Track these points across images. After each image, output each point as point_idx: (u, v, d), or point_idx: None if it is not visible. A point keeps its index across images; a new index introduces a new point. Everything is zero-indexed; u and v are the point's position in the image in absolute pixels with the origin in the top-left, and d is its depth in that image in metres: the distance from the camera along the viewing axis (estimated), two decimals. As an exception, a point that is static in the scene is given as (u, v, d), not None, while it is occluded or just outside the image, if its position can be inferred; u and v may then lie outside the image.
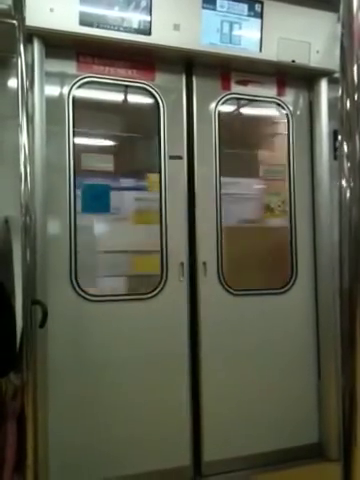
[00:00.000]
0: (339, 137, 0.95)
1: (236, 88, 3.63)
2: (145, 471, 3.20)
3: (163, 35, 3.22)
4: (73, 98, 3.20)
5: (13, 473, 2.42)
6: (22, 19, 2.52)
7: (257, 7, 3.44)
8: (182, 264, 3.38)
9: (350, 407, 0.95)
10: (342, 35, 0.92)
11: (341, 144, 0.94)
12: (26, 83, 2.54)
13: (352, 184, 0.93)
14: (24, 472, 2.40)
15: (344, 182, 0.94)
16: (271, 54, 3.50)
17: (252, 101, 3.75)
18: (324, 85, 3.74)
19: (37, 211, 2.85)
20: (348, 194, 0.93)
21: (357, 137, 0.92)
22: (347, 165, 0.93)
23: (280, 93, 3.78)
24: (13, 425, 2.45)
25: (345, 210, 0.93)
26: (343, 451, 0.96)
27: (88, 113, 3.43)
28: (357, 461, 0.94)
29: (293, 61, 3.56)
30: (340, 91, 0.93)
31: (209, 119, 3.54)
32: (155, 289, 3.33)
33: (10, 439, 2.42)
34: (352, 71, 0.92)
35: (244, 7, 3.42)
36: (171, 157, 3.41)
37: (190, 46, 3.30)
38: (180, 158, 3.44)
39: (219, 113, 3.57)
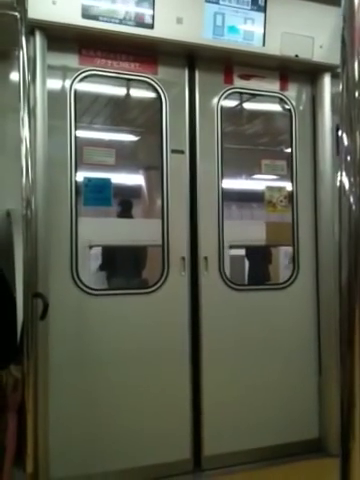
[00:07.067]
0: (339, 132, 0.95)
1: (239, 82, 3.62)
2: (145, 464, 3.20)
3: (166, 29, 3.20)
4: (75, 91, 3.19)
5: (13, 463, 2.43)
6: (24, 12, 2.51)
7: (261, 1, 3.42)
8: (183, 259, 3.38)
9: (348, 402, 0.95)
10: (343, 30, 0.91)
11: (341, 139, 0.94)
12: (28, 76, 2.54)
13: (352, 179, 0.92)
14: (24, 462, 2.42)
15: (344, 177, 0.93)
16: (274, 48, 3.48)
17: (255, 96, 3.74)
18: (327, 80, 3.72)
19: (38, 204, 2.85)
20: (348, 189, 0.93)
21: (357, 132, 0.91)
22: (347, 160, 0.92)
23: (283, 88, 3.76)
24: (14, 417, 2.46)
25: (345, 205, 0.93)
26: (341, 445, 0.96)
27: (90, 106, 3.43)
28: (355, 455, 0.95)
29: (296, 56, 3.54)
30: (341, 86, 0.92)
31: (211, 113, 3.53)
32: (156, 283, 3.33)
33: (11, 430, 2.43)
34: (353, 66, 0.91)
35: (248, 1, 3.40)
36: (173, 151, 3.41)
37: (193, 40, 3.29)
38: (182, 152, 3.43)
39: (222, 107, 3.56)
